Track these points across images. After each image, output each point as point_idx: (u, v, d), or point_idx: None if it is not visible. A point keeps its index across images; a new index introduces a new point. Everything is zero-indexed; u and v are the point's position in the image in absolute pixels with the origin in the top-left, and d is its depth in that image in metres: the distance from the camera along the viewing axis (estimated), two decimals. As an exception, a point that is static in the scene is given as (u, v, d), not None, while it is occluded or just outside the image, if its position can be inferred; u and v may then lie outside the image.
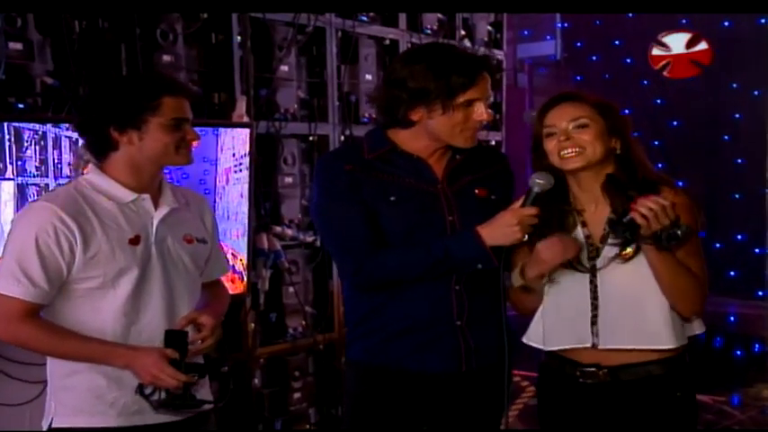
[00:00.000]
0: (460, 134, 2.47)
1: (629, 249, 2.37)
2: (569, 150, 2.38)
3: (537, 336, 2.50)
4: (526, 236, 2.37)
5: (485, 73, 2.46)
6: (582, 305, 2.41)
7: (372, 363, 2.55)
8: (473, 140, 2.52)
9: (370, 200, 2.47)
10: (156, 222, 2.37)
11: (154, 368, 2.23)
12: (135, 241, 2.32)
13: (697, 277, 2.39)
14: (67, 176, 3.06)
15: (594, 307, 2.40)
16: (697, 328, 2.47)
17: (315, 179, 2.64)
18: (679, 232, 2.27)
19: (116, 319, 2.30)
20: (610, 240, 2.39)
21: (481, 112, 2.44)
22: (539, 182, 2.36)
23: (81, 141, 2.51)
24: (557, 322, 2.46)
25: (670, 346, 2.39)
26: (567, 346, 2.44)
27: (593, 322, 2.40)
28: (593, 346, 2.40)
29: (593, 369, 2.42)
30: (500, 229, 2.37)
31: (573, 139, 2.38)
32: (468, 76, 2.41)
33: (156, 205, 2.39)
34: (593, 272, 2.41)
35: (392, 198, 2.47)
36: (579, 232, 2.44)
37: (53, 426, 2.34)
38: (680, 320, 2.42)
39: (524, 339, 2.54)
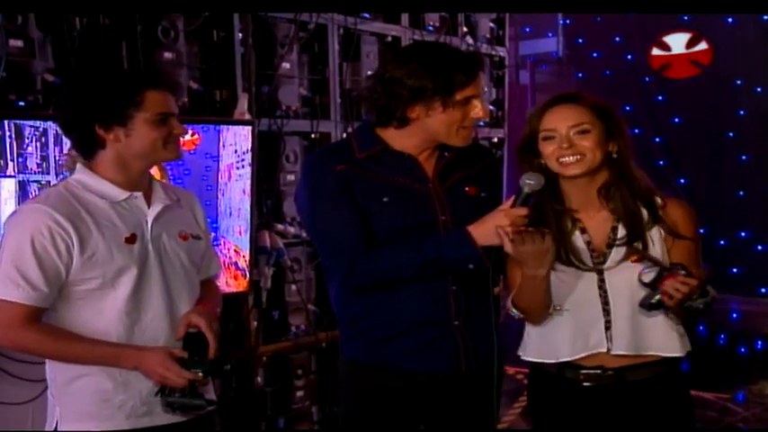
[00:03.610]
0: (457, 133, 2.46)
1: (636, 256, 2.34)
2: (570, 158, 2.35)
3: (537, 350, 2.46)
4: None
5: (479, 70, 2.47)
6: (593, 311, 2.38)
7: (369, 362, 2.54)
8: (469, 139, 2.51)
9: (363, 200, 2.45)
10: (150, 220, 2.36)
11: (160, 367, 2.22)
12: (131, 240, 2.30)
13: None
14: (64, 174, 3.05)
15: (606, 312, 2.37)
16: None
17: (303, 178, 2.61)
18: (702, 306, 2.27)
19: (119, 319, 2.28)
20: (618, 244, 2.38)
21: (479, 109, 2.44)
22: (529, 182, 2.34)
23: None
24: (568, 333, 2.40)
25: (680, 354, 2.40)
26: (583, 354, 2.39)
27: (607, 327, 2.37)
28: (608, 351, 2.37)
29: (597, 371, 2.39)
30: (491, 230, 2.35)
31: (575, 146, 2.34)
32: (467, 73, 2.41)
33: (148, 203, 2.37)
34: (600, 274, 2.38)
35: (385, 199, 2.45)
36: (579, 238, 2.41)
37: (58, 430, 2.31)
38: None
39: (521, 354, 2.49)
